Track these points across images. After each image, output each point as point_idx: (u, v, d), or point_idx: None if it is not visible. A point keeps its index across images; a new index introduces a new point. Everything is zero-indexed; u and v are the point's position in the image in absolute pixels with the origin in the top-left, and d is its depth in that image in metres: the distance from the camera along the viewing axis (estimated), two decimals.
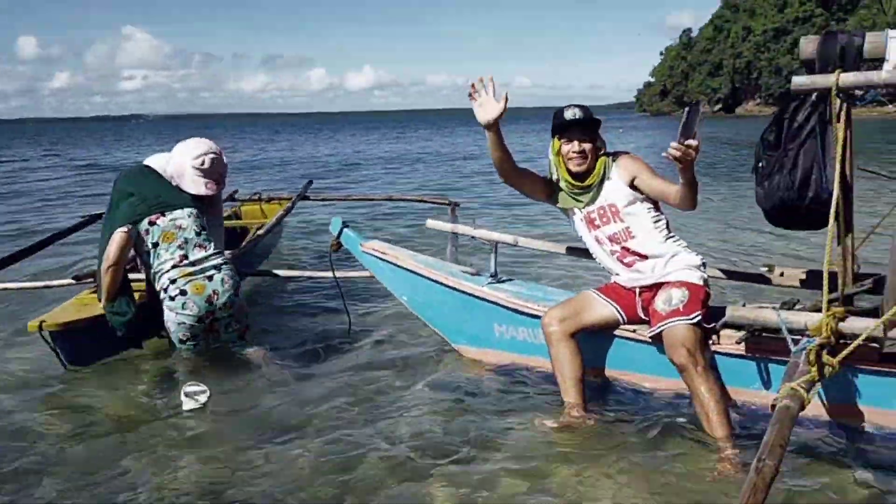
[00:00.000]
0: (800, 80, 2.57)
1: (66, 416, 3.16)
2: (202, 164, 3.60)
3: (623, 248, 2.93)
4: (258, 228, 5.50)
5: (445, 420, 2.94)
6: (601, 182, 2.92)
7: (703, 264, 2.94)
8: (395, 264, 3.69)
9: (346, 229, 3.85)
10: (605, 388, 3.14)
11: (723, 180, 12.13)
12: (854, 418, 2.71)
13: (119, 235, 3.41)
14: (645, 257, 2.90)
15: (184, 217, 3.53)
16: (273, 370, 3.54)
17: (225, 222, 5.33)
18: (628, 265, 2.94)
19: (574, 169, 2.92)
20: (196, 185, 3.60)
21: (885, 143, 19.85)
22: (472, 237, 3.79)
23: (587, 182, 2.93)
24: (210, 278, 3.49)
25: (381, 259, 3.74)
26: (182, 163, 3.60)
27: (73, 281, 4.19)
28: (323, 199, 7.30)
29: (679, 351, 2.65)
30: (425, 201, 6.74)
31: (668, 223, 2.98)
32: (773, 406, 2.11)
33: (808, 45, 2.72)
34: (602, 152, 2.96)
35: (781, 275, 3.21)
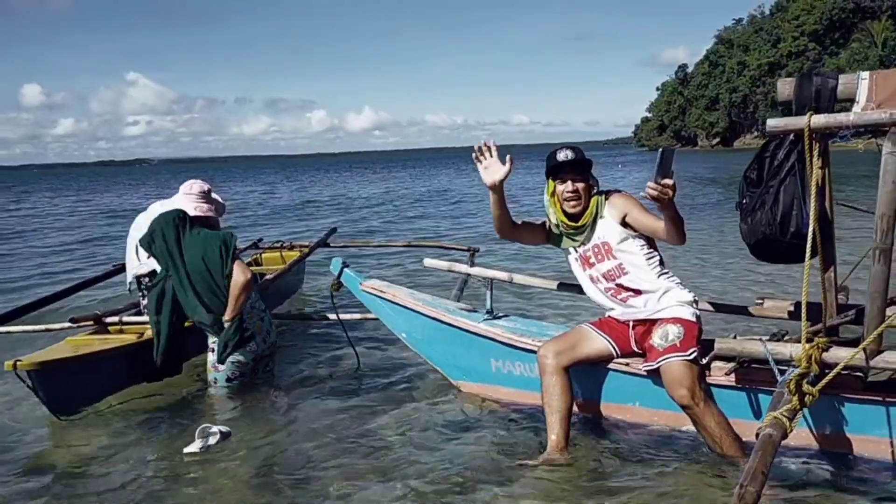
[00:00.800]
0: (773, 123, 2.72)
1: (69, 453, 3.24)
2: (190, 188, 4.09)
3: (617, 284, 3.05)
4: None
5: (441, 458, 3.02)
6: (594, 221, 3.06)
7: (695, 300, 3.06)
8: (393, 302, 3.82)
9: (346, 269, 3.99)
10: (598, 421, 3.23)
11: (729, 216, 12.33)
12: (841, 446, 2.81)
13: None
14: (638, 292, 3.02)
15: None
16: (281, 404, 3.74)
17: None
18: (622, 301, 3.06)
19: (569, 210, 3.05)
20: (188, 208, 4.00)
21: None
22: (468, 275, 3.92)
23: (581, 222, 3.06)
24: (262, 319, 3.89)
25: (379, 297, 3.87)
26: (179, 194, 4.12)
27: (70, 324, 4.28)
28: (343, 246, 7.34)
29: (680, 391, 2.76)
30: (444, 247, 6.85)
31: (661, 259, 3.10)
32: (758, 434, 2.22)
33: (785, 88, 2.89)
34: (595, 191, 3.10)
35: (767, 307, 3.33)
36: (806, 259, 2.60)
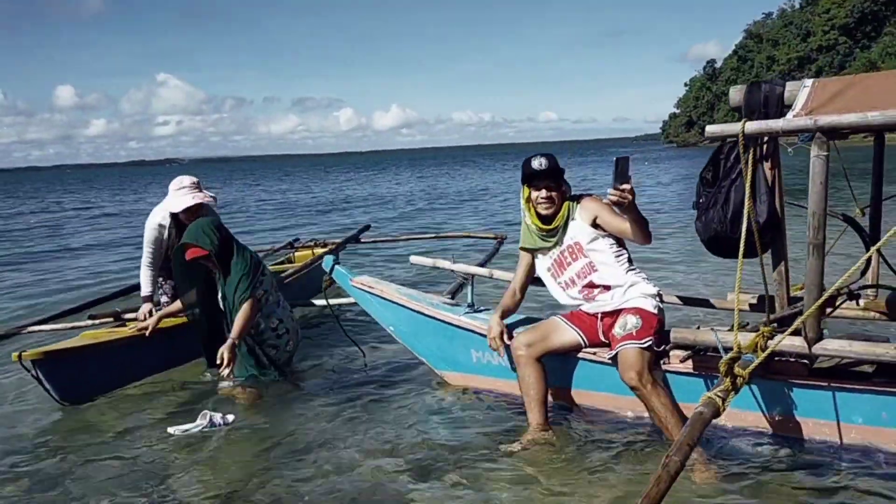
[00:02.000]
0: (711, 129, 2.98)
1: (80, 436, 3.60)
2: (181, 183, 4.37)
3: (588, 283, 3.32)
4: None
5: (424, 442, 3.31)
6: (566, 223, 3.33)
7: (659, 294, 3.33)
8: (381, 297, 4.13)
9: (337, 266, 4.31)
10: (568, 407, 3.51)
11: None
12: (791, 430, 3.06)
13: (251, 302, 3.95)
14: (608, 288, 3.30)
15: (268, 272, 4.23)
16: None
17: (278, 267, 6.18)
18: (592, 298, 3.34)
19: (542, 213, 3.35)
20: (184, 201, 4.25)
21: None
22: (452, 270, 4.22)
23: (554, 224, 3.35)
24: (294, 320, 4.27)
25: (368, 293, 4.18)
26: (169, 195, 4.37)
27: (90, 321, 4.68)
28: (372, 242, 7.68)
29: (629, 374, 3.04)
30: (471, 236, 7.13)
31: (629, 257, 3.37)
32: (693, 412, 2.48)
33: (736, 94, 3.14)
34: (567, 196, 3.38)
35: (730, 300, 3.59)
36: (739, 256, 2.83)
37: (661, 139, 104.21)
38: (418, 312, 3.99)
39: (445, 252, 8.39)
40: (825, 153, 2.63)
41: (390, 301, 4.09)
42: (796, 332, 2.93)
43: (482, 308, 3.97)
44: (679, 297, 3.80)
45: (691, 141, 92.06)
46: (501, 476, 2.95)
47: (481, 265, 4.55)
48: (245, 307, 3.89)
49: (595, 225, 3.30)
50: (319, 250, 7.07)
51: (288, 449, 3.32)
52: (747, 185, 2.82)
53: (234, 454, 3.33)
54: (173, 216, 4.37)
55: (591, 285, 3.32)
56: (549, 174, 3.30)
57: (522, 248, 3.52)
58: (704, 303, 3.79)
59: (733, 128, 2.82)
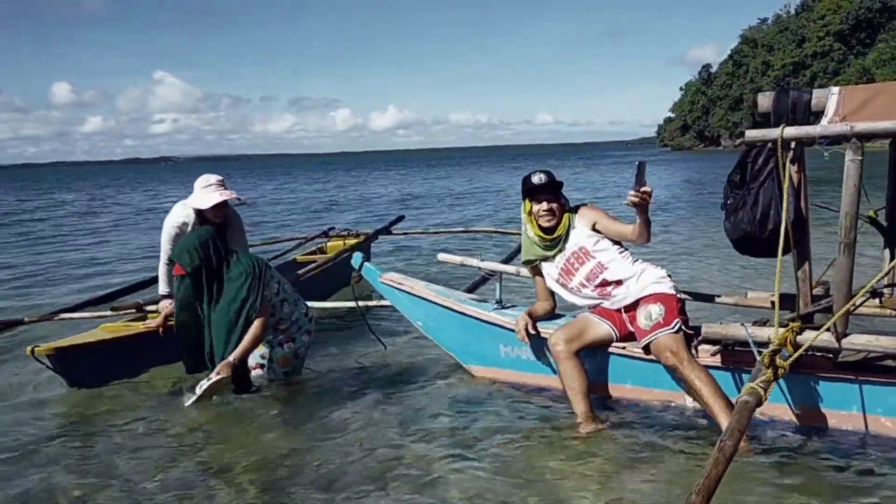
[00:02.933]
0: (751, 134, 3.17)
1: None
2: (207, 181, 4.36)
3: (601, 282, 3.52)
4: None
5: (453, 433, 3.46)
6: (567, 232, 3.58)
7: (669, 275, 3.53)
8: (410, 293, 4.29)
9: (366, 263, 4.46)
10: (602, 401, 3.68)
11: None
12: (818, 420, 3.25)
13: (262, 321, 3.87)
14: (620, 283, 3.51)
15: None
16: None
17: (309, 257, 6.41)
18: (608, 296, 3.54)
19: (544, 225, 3.60)
20: (211, 198, 4.24)
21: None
22: (479, 268, 4.39)
23: (556, 234, 3.60)
24: (305, 316, 4.24)
25: (397, 289, 4.34)
26: (195, 192, 4.36)
27: (111, 312, 4.85)
28: (403, 233, 7.96)
29: (665, 354, 3.23)
30: (498, 232, 7.41)
31: (630, 251, 3.63)
32: (738, 401, 2.65)
33: (764, 100, 3.33)
34: (566, 208, 3.65)
35: (751, 298, 3.79)
36: (778, 254, 3.03)
37: (656, 143, 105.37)
38: (448, 308, 4.15)
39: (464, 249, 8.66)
40: (860, 157, 2.83)
41: (420, 297, 4.25)
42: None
43: (509, 305, 4.14)
44: (705, 295, 3.98)
45: (686, 145, 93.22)
46: (537, 464, 3.12)
47: (506, 262, 4.72)
48: (255, 325, 3.79)
49: (594, 230, 3.56)
50: (352, 241, 7.19)
51: (318, 432, 3.52)
52: (785, 186, 3.01)
53: (263, 439, 3.49)
54: (198, 213, 4.46)
55: (605, 283, 3.52)
56: (549, 188, 3.57)
57: (526, 262, 3.76)
58: (709, 298, 3.98)
59: (772, 133, 3.01)
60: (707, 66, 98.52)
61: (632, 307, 3.48)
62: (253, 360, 4.11)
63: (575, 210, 3.64)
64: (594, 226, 3.56)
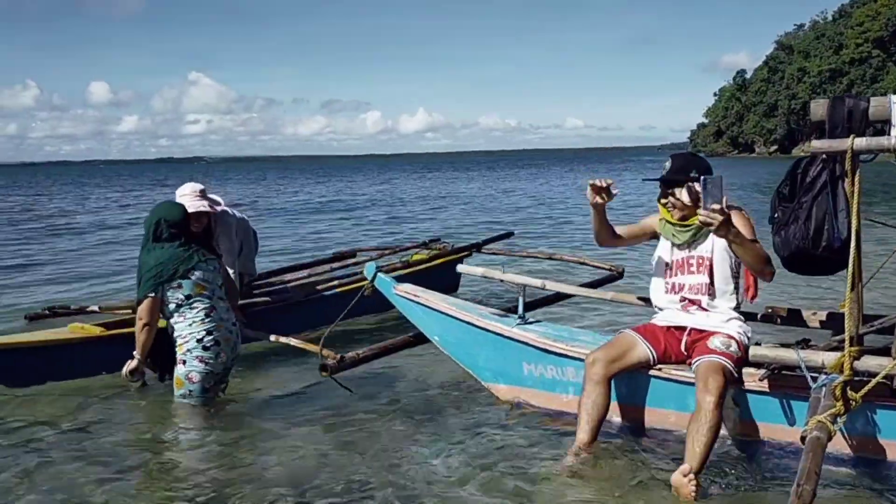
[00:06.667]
0: (818, 144, 3.16)
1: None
2: (182, 192, 4.56)
3: (694, 301, 3.44)
4: None
5: (468, 455, 3.45)
6: (707, 232, 3.27)
7: (749, 336, 3.45)
8: (426, 306, 4.28)
9: (379, 274, 4.46)
10: (635, 425, 3.65)
11: None
12: (872, 451, 3.22)
13: (149, 300, 3.97)
14: (706, 310, 3.43)
15: (209, 270, 4.16)
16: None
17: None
18: (686, 311, 3.46)
19: (676, 215, 3.46)
20: (193, 206, 4.39)
21: None
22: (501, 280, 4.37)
23: (690, 221, 3.40)
24: (231, 331, 4.20)
25: (413, 301, 4.33)
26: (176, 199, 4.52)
27: (97, 309, 5.20)
28: (493, 253, 7.68)
29: (707, 381, 3.11)
30: (587, 264, 6.96)
31: (739, 295, 3.44)
32: (803, 438, 2.60)
33: (819, 108, 3.33)
34: None
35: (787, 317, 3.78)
36: (848, 272, 3.00)
37: (688, 149, 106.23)
38: (467, 323, 4.14)
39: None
40: None
41: (436, 310, 4.24)
42: (881, 352, 3.10)
43: (532, 320, 4.13)
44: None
45: (719, 151, 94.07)
46: (544, 492, 3.10)
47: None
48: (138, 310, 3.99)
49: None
50: (435, 253, 6.97)
51: (332, 451, 3.54)
52: (854, 202, 2.98)
53: (273, 453, 3.53)
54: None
55: (695, 303, 3.44)
56: (666, 180, 3.43)
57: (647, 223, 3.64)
58: (763, 318, 3.95)
59: (842, 144, 3.01)
60: (741, 72, 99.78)
61: (700, 332, 3.41)
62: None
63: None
64: None
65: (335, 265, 6.82)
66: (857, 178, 3.05)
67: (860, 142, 2.98)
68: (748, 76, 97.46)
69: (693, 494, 2.88)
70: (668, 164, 3.47)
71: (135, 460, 3.55)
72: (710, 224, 3.01)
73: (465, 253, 7.12)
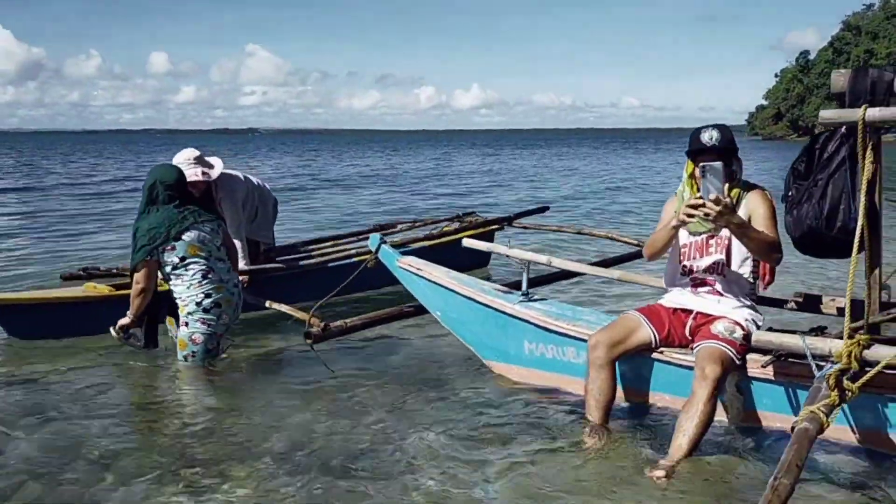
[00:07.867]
0: (827, 114, 3.02)
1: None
2: (178, 159, 4.68)
3: (706, 281, 3.32)
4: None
5: (465, 433, 3.43)
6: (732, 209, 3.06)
7: (759, 325, 3.33)
8: (429, 280, 4.26)
9: (383, 245, 4.45)
10: (642, 408, 3.59)
11: None
12: (882, 445, 3.09)
13: (145, 264, 4.07)
14: (720, 294, 3.31)
15: (205, 231, 4.22)
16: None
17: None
18: (696, 293, 3.35)
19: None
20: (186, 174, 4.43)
21: None
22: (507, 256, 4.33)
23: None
24: (232, 293, 4.30)
25: (416, 275, 4.32)
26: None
27: (115, 270, 5.49)
28: (523, 227, 7.87)
29: (706, 367, 3.04)
30: (615, 239, 7.11)
31: (755, 283, 3.32)
32: (793, 428, 2.50)
33: (839, 79, 3.19)
34: (736, 180, 3.22)
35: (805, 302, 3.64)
36: (853, 255, 2.84)
37: (745, 131, 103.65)
38: (468, 298, 4.11)
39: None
40: None
41: (439, 284, 4.22)
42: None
43: (537, 297, 4.07)
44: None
45: (778, 134, 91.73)
46: (549, 472, 3.06)
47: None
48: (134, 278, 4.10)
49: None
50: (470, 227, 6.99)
51: (331, 421, 3.58)
52: (864, 178, 2.85)
53: (277, 427, 3.55)
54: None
55: (707, 283, 3.32)
56: (720, 151, 3.15)
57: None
58: (778, 303, 3.82)
59: (852, 114, 2.87)
60: (805, 53, 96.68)
61: (706, 315, 3.30)
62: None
63: (748, 188, 3.23)
64: (751, 218, 3.15)
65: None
66: (871, 153, 2.91)
67: (873, 112, 2.83)
68: (811, 57, 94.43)
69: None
70: (715, 134, 3.17)
71: (131, 420, 3.69)
72: (709, 214, 2.92)
73: (496, 227, 7.13)
